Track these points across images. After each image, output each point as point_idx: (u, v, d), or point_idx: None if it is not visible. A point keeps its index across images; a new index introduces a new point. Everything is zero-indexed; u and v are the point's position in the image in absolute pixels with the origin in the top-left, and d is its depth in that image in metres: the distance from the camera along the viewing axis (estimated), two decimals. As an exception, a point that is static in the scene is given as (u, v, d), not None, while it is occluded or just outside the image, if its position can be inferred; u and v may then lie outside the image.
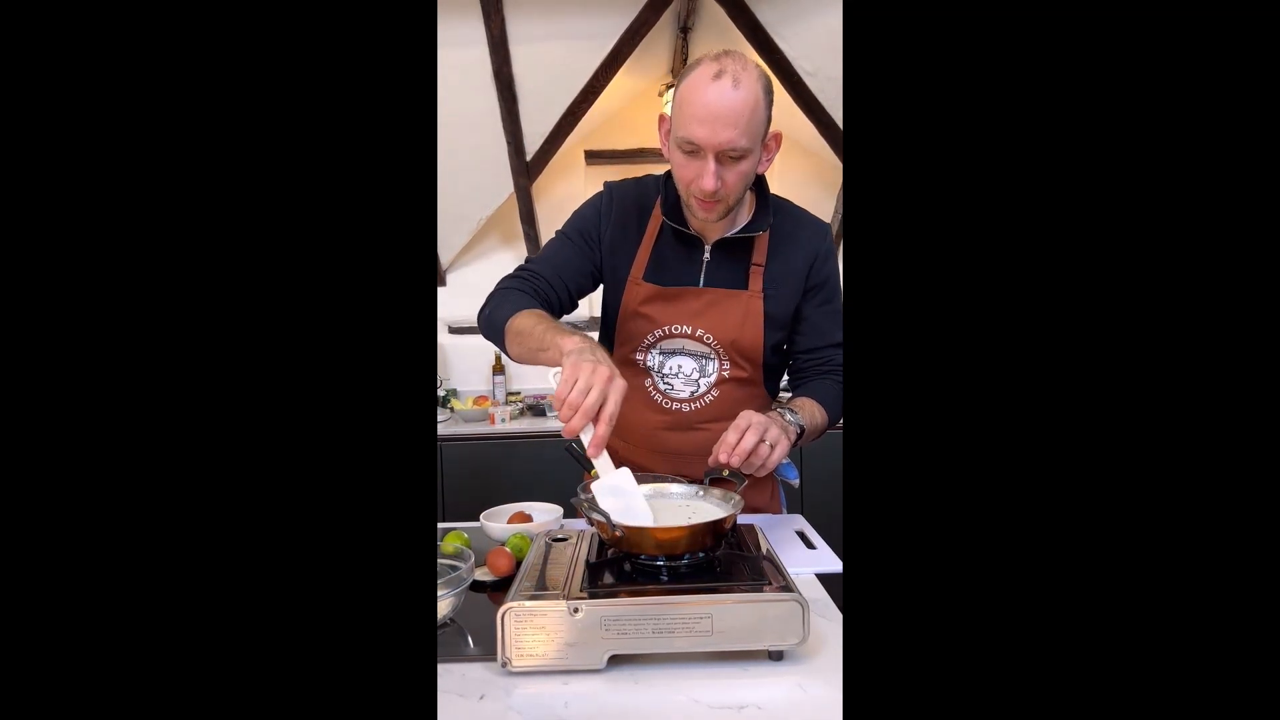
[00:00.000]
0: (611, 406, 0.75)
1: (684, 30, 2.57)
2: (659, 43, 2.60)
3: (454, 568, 0.79)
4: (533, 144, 2.60)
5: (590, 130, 2.90)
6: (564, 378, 0.75)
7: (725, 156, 0.89)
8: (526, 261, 1.07)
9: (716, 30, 2.47)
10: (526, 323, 0.92)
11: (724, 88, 0.86)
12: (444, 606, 0.75)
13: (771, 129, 0.97)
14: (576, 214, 1.09)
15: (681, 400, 1.05)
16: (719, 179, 0.90)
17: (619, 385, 0.76)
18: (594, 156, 3.05)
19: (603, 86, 2.45)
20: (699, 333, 1.03)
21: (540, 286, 1.02)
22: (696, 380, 1.04)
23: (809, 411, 0.99)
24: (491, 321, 0.99)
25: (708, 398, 1.04)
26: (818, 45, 2.29)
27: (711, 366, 1.04)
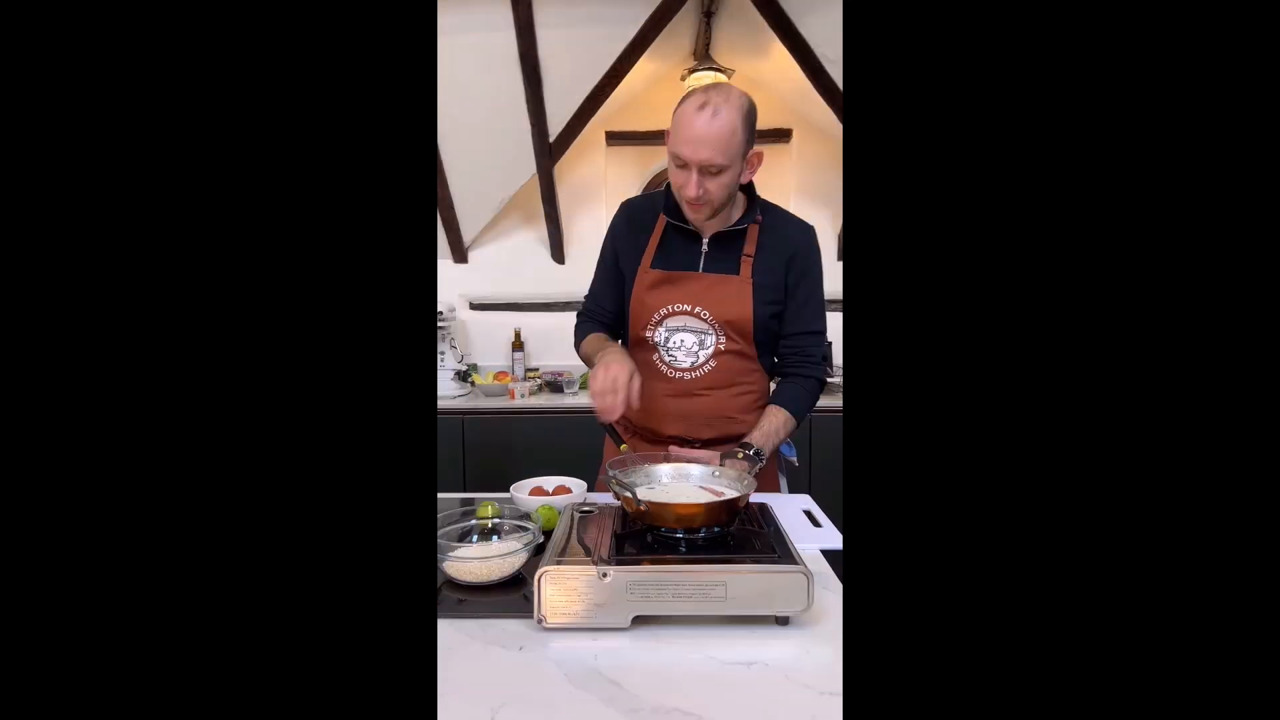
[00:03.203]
0: (629, 393, 1.06)
1: (707, 15, 2.59)
2: (682, 27, 2.62)
3: (524, 528, 0.90)
4: (556, 126, 2.64)
5: (612, 112, 2.93)
6: (592, 374, 1.08)
7: (706, 170, 1.10)
8: (587, 295, 1.39)
9: (740, 15, 2.49)
10: (588, 348, 1.27)
11: (706, 117, 1.07)
12: (516, 562, 0.86)
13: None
14: (605, 237, 1.35)
15: (684, 370, 1.23)
16: (701, 187, 1.11)
17: (636, 383, 1.07)
18: (615, 138, 3.09)
19: (626, 70, 2.48)
20: (698, 310, 1.21)
21: (594, 311, 1.35)
22: (696, 352, 1.22)
23: (767, 429, 1.18)
24: (578, 352, 1.33)
25: (706, 367, 1.22)
26: (840, 32, 2.31)
27: (710, 340, 1.21)
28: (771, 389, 1.28)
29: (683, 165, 1.11)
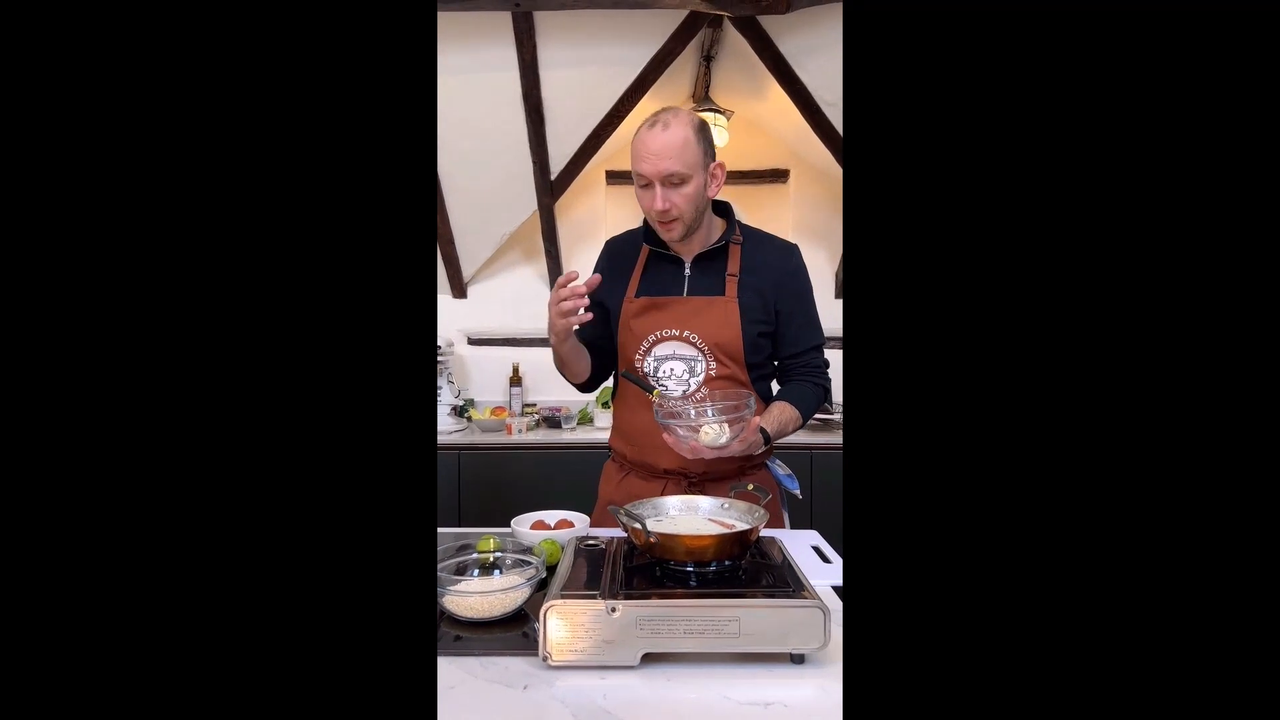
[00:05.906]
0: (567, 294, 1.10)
1: (707, 59, 2.65)
2: (682, 70, 2.68)
3: (527, 562, 0.87)
4: (558, 164, 2.67)
5: (613, 152, 2.97)
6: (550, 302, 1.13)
7: (668, 182, 1.13)
8: None
9: (739, 59, 2.55)
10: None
11: (657, 131, 1.13)
12: (519, 597, 0.83)
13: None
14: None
15: (675, 399, 1.20)
16: (667, 200, 1.14)
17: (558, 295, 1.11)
18: (614, 177, 3.13)
19: (628, 111, 2.53)
20: (686, 334, 1.21)
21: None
22: (687, 380, 1.21)
23: (777, 416, 1.19)
24: (558, 364, 1.33)
25: (697, 395, 1.20)
26: (838, 77, 2.36)
27: (700, 367, 1.20)
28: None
29: (647, 185, 1.15)
